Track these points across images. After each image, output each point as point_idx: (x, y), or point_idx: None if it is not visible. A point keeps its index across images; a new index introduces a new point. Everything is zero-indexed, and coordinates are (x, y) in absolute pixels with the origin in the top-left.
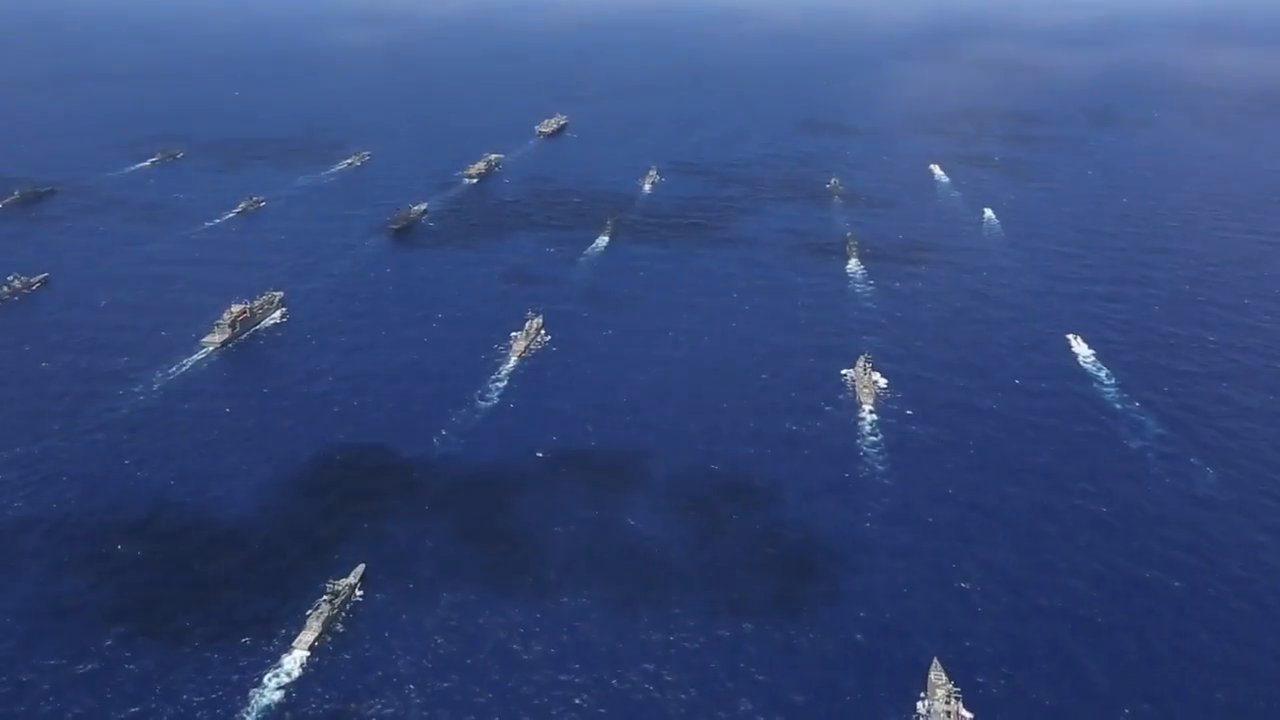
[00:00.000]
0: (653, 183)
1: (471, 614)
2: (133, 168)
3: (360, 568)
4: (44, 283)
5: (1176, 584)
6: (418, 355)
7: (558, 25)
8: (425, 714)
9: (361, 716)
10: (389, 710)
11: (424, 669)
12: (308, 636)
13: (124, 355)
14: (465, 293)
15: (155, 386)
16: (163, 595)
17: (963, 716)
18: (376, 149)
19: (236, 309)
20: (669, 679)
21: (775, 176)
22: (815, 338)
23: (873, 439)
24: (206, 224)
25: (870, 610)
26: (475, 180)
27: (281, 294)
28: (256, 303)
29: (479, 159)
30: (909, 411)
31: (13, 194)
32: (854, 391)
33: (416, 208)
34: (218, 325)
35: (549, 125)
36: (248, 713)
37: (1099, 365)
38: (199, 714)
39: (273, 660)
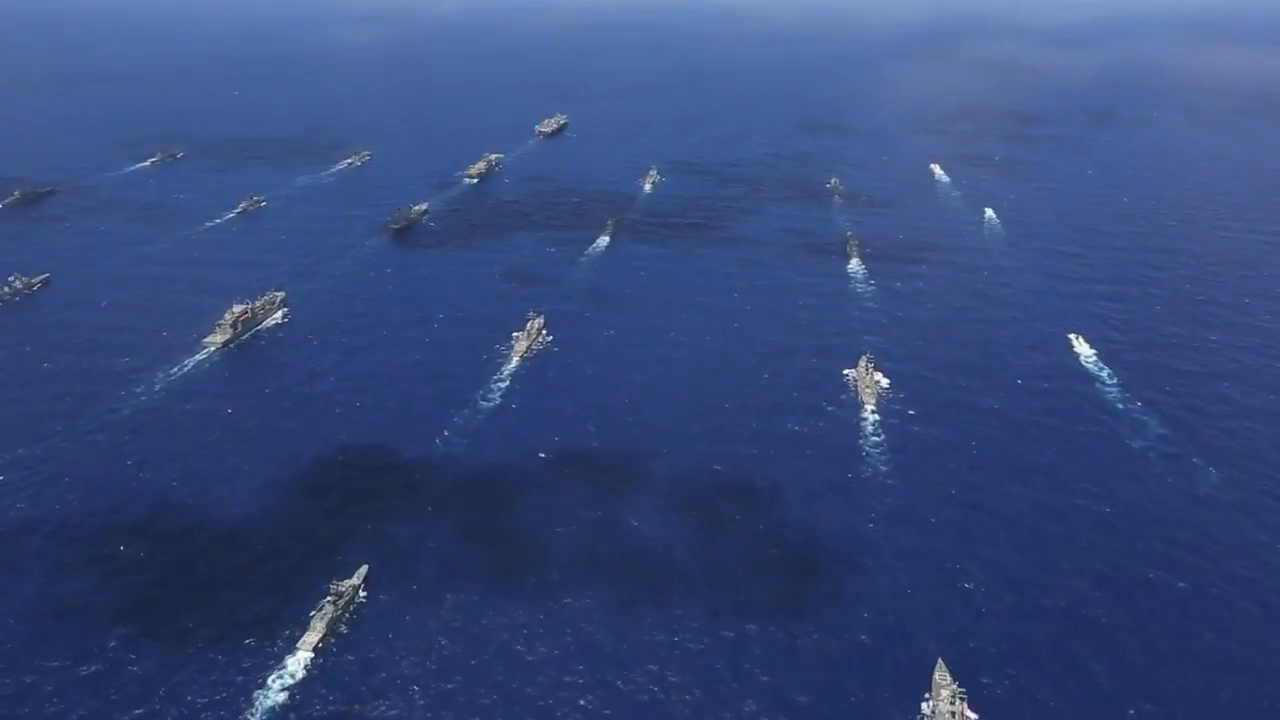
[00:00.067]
0: (653, 182)
1: (475, 615)
2: (133, 168)
3: (363, 568)
4: (45, 283)
5: (1180, 584)
6: (419, 355)
7: (558, 25)
8: (430, 715)
9: (366, 718)
10: (393, 712)
11: (428, 670)
12: (311, 638)
13: (125, 356)
14: (466, 293)
15: (157, 387)
16: (165, 596)
17: (968, 717)
18: (376, 149)
19: (238, 309)
20: (673, 680)
21: (775, 176)
22: (816, 337)
23: (875, 439)
24: (207, 224)
25: (874, 611)
26: (475, 180)
27: (283, 294)
28: (258, 303)
29: (479, 159)
30: (911, 411)
31: (13, 194)
32: (856, 391)
33: (417, 208)
34: (219, 325)
35: (549, 125)
36: (252, 714)
37: (1101, 365)
38: (203, 715)
39: (276, 661)
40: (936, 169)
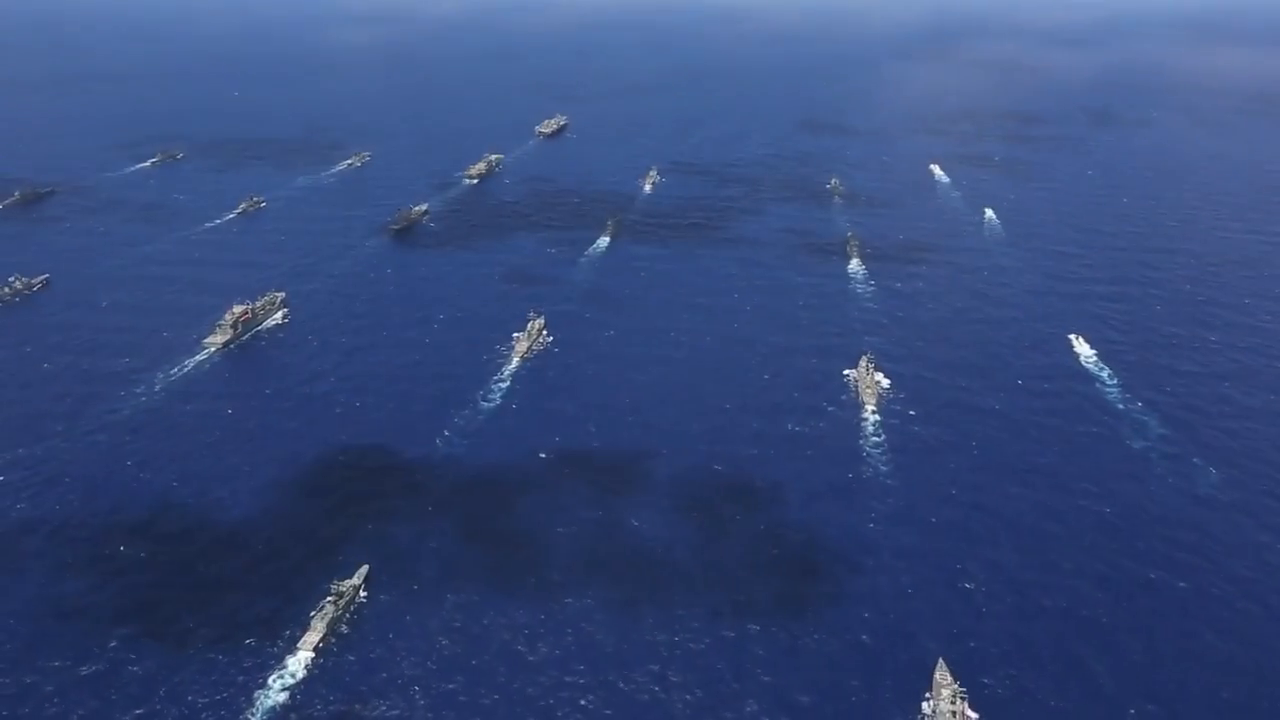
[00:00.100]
0: (653, 183)
1: (476, 615)
2: (133, 168)
3: (364, 569)
4: (45, 284)
5: (1181, 584)
6: (420, 356)
7: (558, 25)
8: (431, 715)
9: (367, 718)
10: (394, 712)
11: (429, 670)
12: (312, 638)
13: (125, 356)
14: (466, 293)
15: (157, 387)
16: (166, 597)
17: (969, 717)
18: (376, 149)
19: (238, 309)
20: (675, 680)
21: (775, 176)
22: (817, 338)
23: (875, 439)
24: (207, 224)
25: (875, 611)
26: (475, 181)
27: (283, 294)
28: (258, 303)
29: (479, 159)
30: (912, 412)
31: (13, 194)
32: (856, 392)
33: (417, 208)
34: (219, 326)
35: (549, 125)
36: (252, 714)
37: (1101, 365)
38: (204, 715)
39: (277, 661)
40: (936, 169)
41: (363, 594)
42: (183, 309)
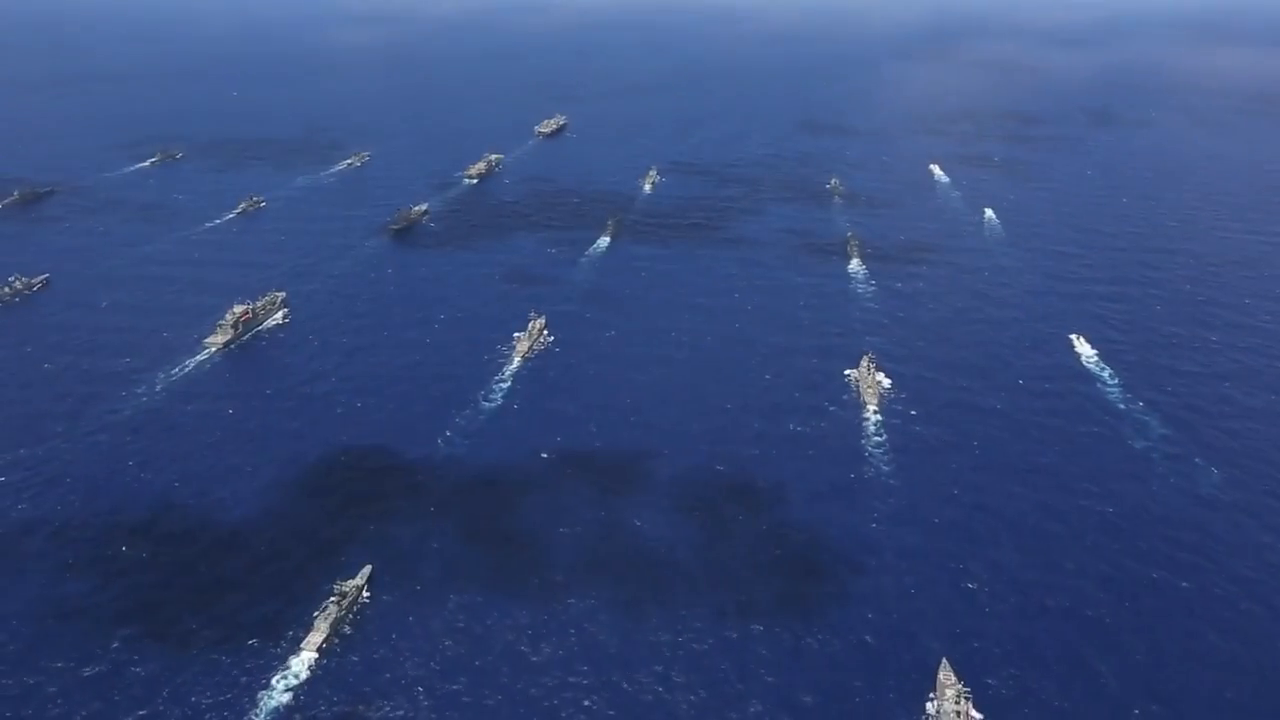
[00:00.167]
0: (653, 183)
1: (479, 615)
2: (132, 168)
3: (367, 569)
4: (45, 284)
5: (1184, 584)
6: (420, 356)
7: (558, 25)
8: (434, 716)
9: (370, 719)
10: (398, 713)
11: (432, 671)
12: (315, 638)
13: (126, 356)
14: (467, 293)
15: (158, 388)
16: (168, 597)
17: (973, 717)
18: (376, 149)
19: (239, 309)
20: (678, 680)
21: (775, 177)
22: (818, 338)
23: (877, 439)
24: (207, 224)
25: (878, 611)
26: (475, 180)
27: (283, 294)
28: (259, 303)
29: (479, 159)
30: (913, 412)
31: (12, 194)
32: (857, 392)
33: (417, 208)
34: (220, 326)
35: (549, 125)
36: (256, 715)
37: (1102, 365)
38: (207, 716)
39: (280, 662)
40: (936, 169)
41: (365, 594)
42: (183, 309)
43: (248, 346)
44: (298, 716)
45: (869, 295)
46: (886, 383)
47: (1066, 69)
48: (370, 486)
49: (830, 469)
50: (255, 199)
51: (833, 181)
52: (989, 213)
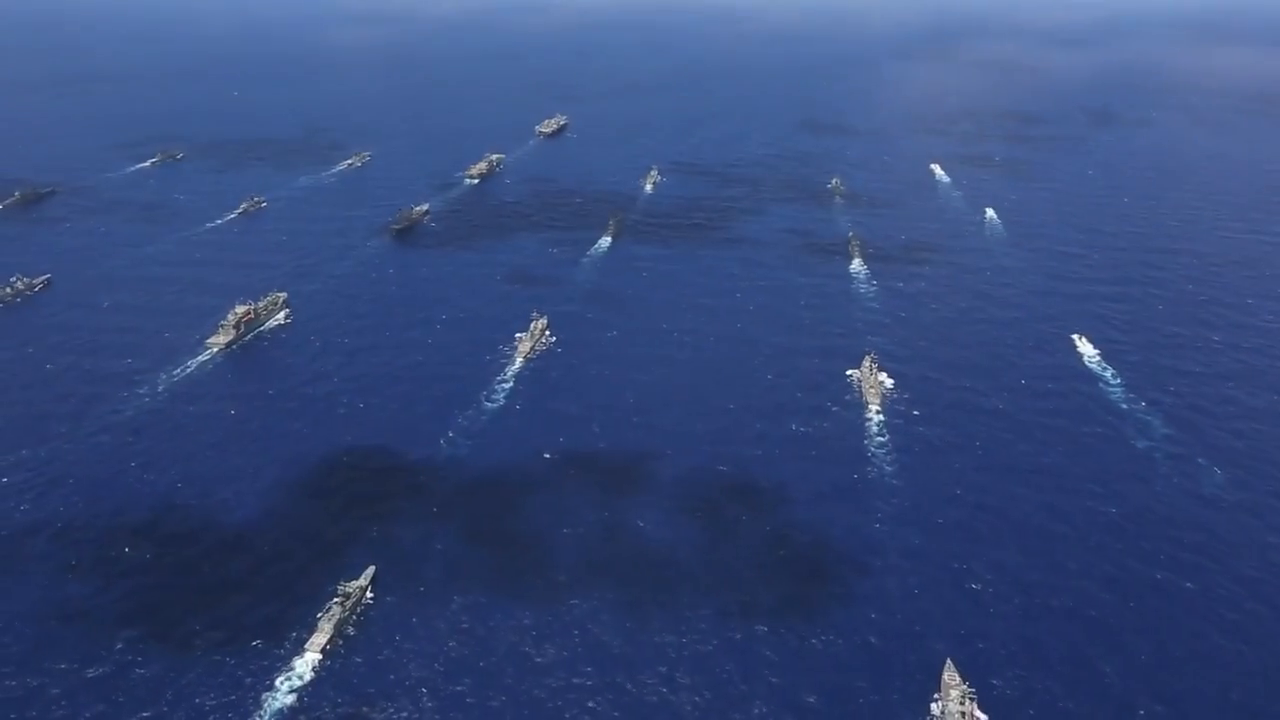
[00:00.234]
0: (654, 183)
1: (483, 616)
2: (133, 168)
3: (370, 570)
4: (47, 284)
5: (1188, 585)
6: (422, 356)
7: (558, 25)
8: (439, 717)
9: None
10: (402, 714)
11: (436, 672)
12: (319, 639)
13: (128, 357)
14: (469, 293)
15: (160, 388)
16: (171, 599)
17: (977, 718)
18: (377, 149)
19: (241, 310)
20: (683, 681)
21: (776, 177)
22: (820, 338)
23: (880, 439)
24: (208, 225)
25: (882, 612)
26: (476, 181)
27: (285, 295)
28: (261, 304)
29: (480, 159)
30: (916, 412)
31: (13, 195)
32: (860, 392)
33: (418, 208)
34: (222, 326)
35: (549, 125)
36: (260, 716)
37: (1104, 365)
38: (211, 718)
39: (284, 664)
40: (937, 169)
41: (369, 595)
42: (185, 309)
43: (249, 347)
44: (302, 718)
45: (871, 295)
46: (889, 383)
47: (1067, 69)
48: (373, 487)
49: (833, 469)
50: (256, 199)
51: (834, 181)
52: (990, 212)
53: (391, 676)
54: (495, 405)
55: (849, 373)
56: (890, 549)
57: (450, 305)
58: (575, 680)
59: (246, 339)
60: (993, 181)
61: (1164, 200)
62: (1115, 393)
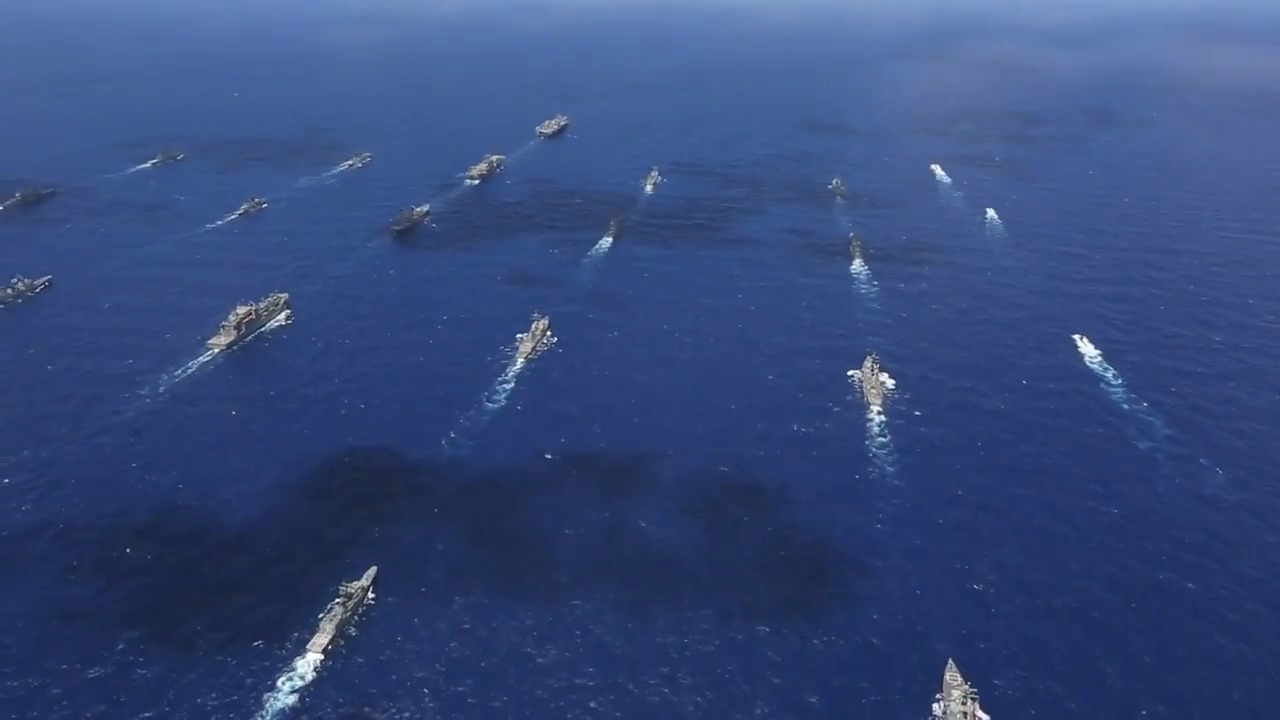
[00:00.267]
0: (654, 183)
1: (484, 617)
2: (133, 169)
3: (372, 570)
4: (47, 285)
5: (1190, 585)
6: (423, 357)
7: (558, 25)
8: (440, 718)
9: None
10: (404, 714)
11: (438, 672)
12: (321, 640)
13: (129, 358)
14: (469, 294)
15: (161, 389)
16: (172, 599)
17: (979, 718)
18: (377, 150)
19: (242, 311)
20: (685, 682)
21: (777, 177)
22: (821, 339)
23: (881, 440)
24: (208, 226)
25: (884, 612)
26: (477, 181)
27: (286, 295)
28: (262, 304)
29: (480, 160)
30: (917, 412)
31: (14, 196)
32: (861, 392)
33: (419, 209)
34: (223, 327)
35: (550, 126)
36: (261, 717)
37: (1105, 366)
38: (212, 718)
39: (286, 664)
40: (938, 169)
41: (371, 596)
42: (186, 310)
43: (250, 348)
44: (304, 718)
45: (872, 295)
46: (890, 383)
47: (1067, 69)
48: (374, 488)
49: (834, 470)
50: (257, 200)
51: (834, 182)
52: (991, 213)
53: (393, 677)
54: (496, 406)
55: (850, 373)
56: (892, 549)
57: (451, 306)
58: (577, 681)
59: (247, 340)
60: (993, 182)
61: (1164, 200)
62: (1116, 393)
